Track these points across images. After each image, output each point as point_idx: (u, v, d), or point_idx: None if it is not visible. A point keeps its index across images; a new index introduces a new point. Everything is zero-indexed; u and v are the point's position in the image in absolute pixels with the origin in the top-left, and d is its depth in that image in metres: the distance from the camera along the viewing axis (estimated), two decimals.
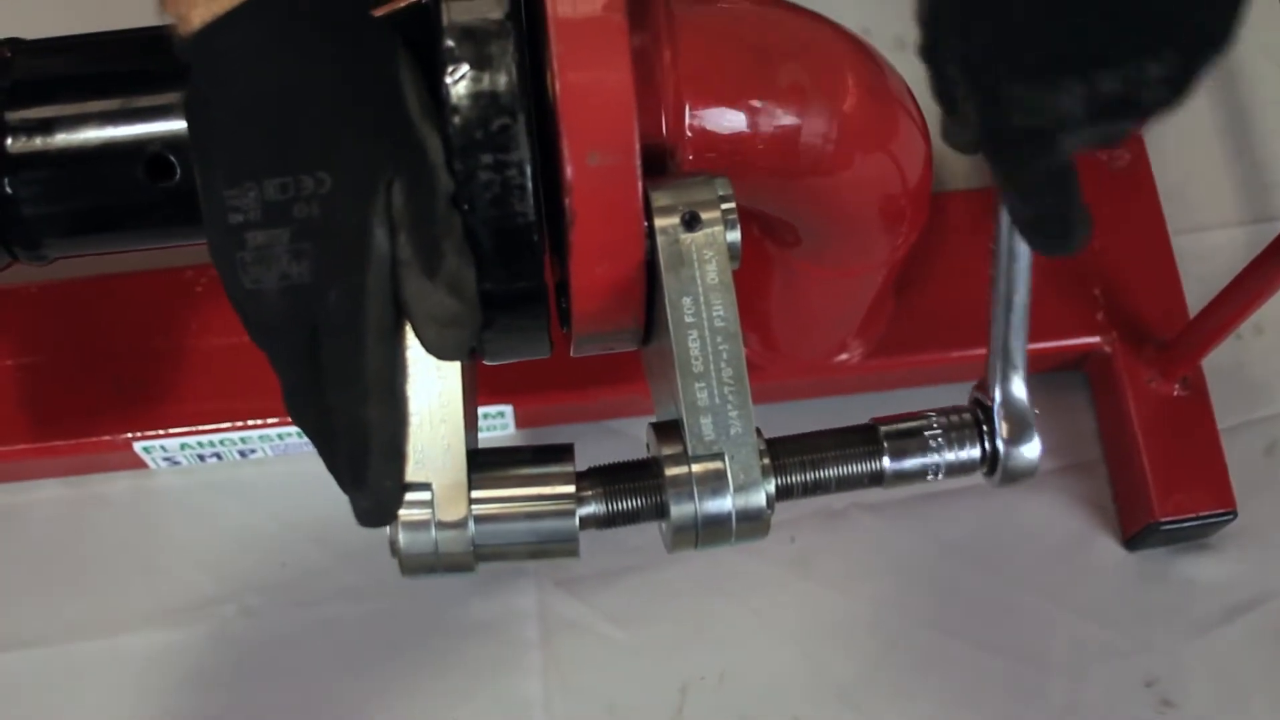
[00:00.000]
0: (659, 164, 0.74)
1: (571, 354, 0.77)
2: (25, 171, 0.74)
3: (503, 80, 0.66)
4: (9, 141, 0.74)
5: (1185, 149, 1.26)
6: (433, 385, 0.68)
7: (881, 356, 1.12)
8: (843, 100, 0.80)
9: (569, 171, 0.67)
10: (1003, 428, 0.73)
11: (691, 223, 0.68)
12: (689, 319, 0.67)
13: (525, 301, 0.70)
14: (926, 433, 0.72)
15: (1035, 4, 0.62)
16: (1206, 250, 1.22)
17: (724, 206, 0.68)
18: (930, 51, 0.68)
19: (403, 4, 0.72)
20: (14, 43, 0.77)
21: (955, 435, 0.72)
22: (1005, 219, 0.73)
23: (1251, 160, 1.28)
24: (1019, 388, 0.74)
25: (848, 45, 0.83)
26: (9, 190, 0.74)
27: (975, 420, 0.73)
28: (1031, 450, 0.73)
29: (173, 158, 0.74)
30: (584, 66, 0.67)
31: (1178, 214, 1.19)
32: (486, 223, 0.67)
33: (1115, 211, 1.17)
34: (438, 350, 0.67)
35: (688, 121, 0.75)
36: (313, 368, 0.66)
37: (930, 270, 1.12)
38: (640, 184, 0.67)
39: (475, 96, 0.66)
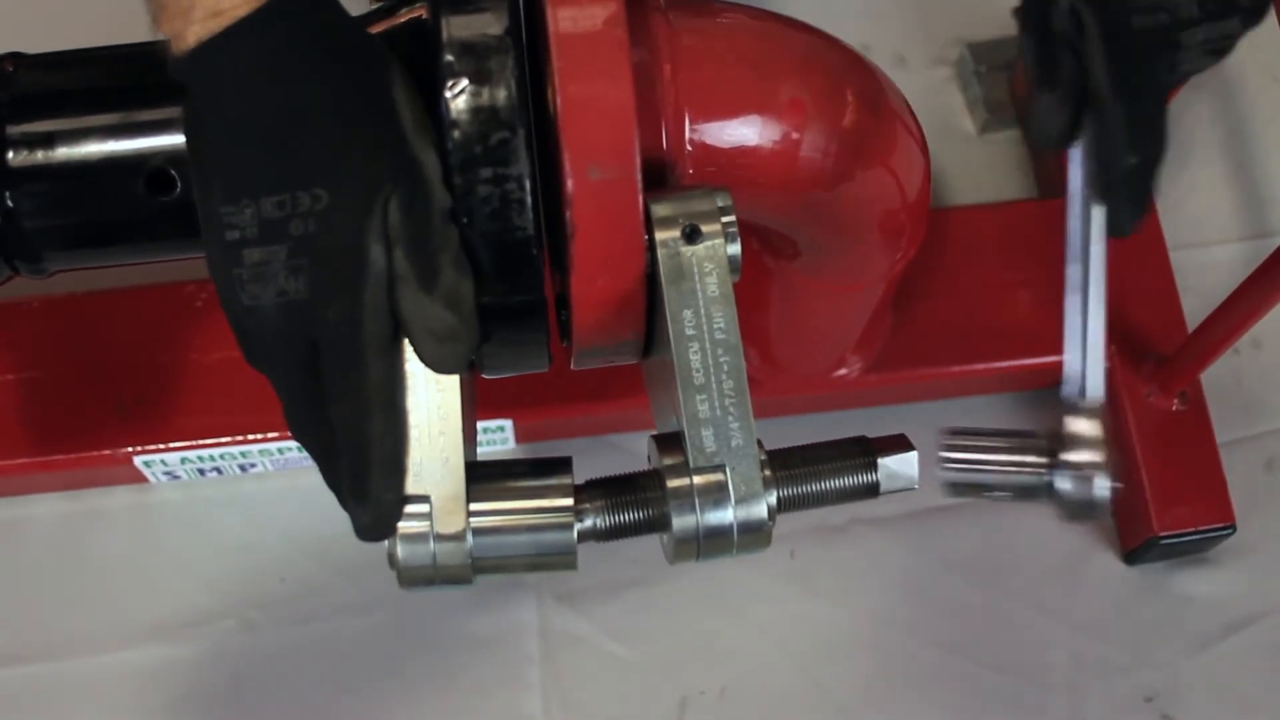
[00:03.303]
0: (659, 177, 0.75)
1: (571, 367, 0.77)
2: (26, 185, 0.74)
3: (502, 95, 0.66)
4: (10, 155, 0.74)
5: (1184, 165, 1.27)
6: (432, 399, 0.68)
7: (880, 371, 1.12)
8: (842, 115, 0.80)
9: (570, 185, 0.67)
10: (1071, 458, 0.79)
11: (692, 235, 0.68)
12: (690, 331, 0.67)
13: (524, 315, 0.70)
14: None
15: None
16: (1205, 265, 1.22)
17: (724, 219, 0.69)
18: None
19: (402, 20, 0.73)
20: (16, 57, 0.77)
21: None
22: (1081, 201, 0.80)
23: (1249, 176, 1.28)
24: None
25: (848, 60, 0.83)
26: (10, 203, 0.74)
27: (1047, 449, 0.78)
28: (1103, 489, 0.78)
29: (173, 172, 0.74)
30: (585, 81, 0.67)
31: (1176, 229, 1.20)
32: (486, 237, 0.67)
33: None
34: (436, 364, 0.67)
35: (688, 135, 0.76)
36: (312, 383, 0.66)
37: (928, 285, 1.12)
38: (641, 197, 0.68)
39: (474, 111, 0.66)
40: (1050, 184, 1.22)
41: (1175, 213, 1.21)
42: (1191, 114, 1.29)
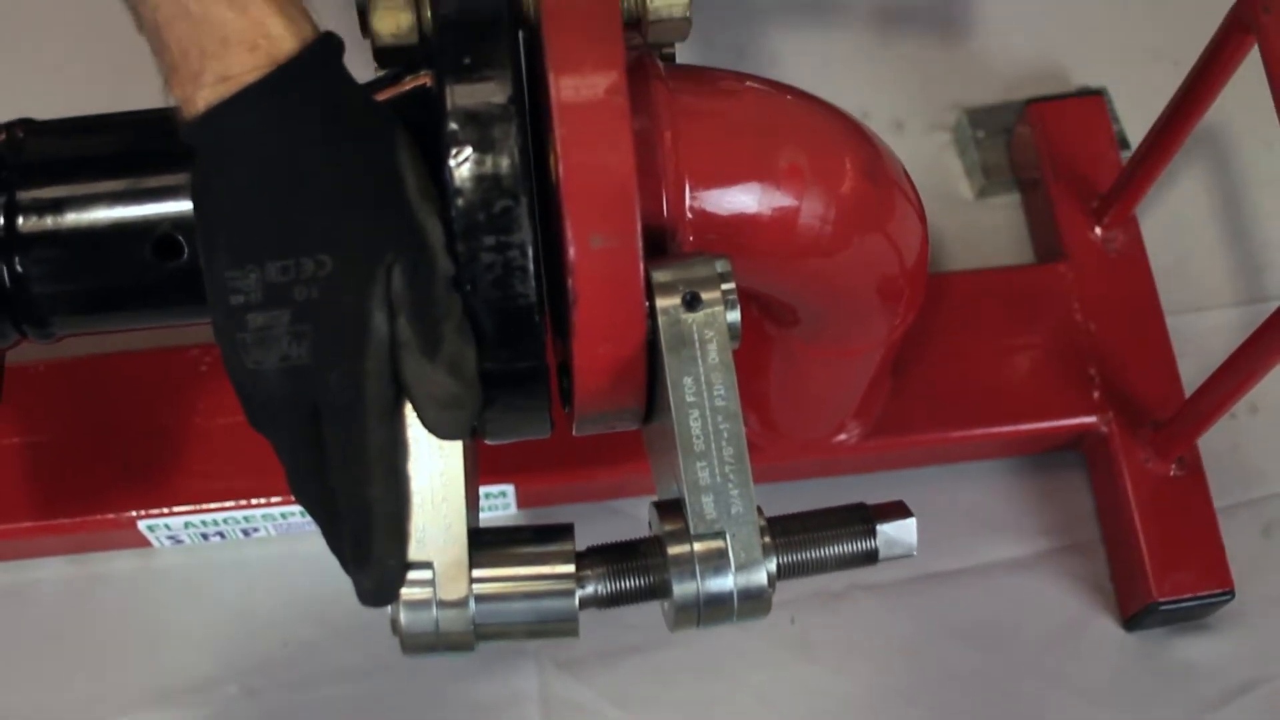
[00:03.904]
0: (660, 244, 0.75)
1: (573, 433, 0.77)
2: (36, 250, 0.75)
3: (505, 163, 0.67)
4: (20, 220, 0.74)
5: (1180, 230, 1.28)
6: (434, 464, 0.69)
7: (879, 437, 1.12)
8: (840, 183, 0.81)
9: (572, 253, 0.68)
10: None
11: (692, 303, 0.69)
12: (690, 399, 0.67)
13: (527, 381, 0.71)
14: None
15: None
16: (1201, 330, 1.23)
17: (724, 286, 0.69)
18: None
19: (407, 88, 0.74)
20: (26, 123, 0.78)
21: None
22: None
23: (1245, 241, 1.29)
24: None
25: (845, 128, 0.84)
26: (19, 268, 0.75)
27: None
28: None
29: (180, 238, 0.74)
30: (587, 150, 0.68)
31: (1173, 295, 1.20)
32: (489, 304, 0.68)
33: (1111, 292, 1.18)
34: (438, 430, 0.68)
35: (688, 203, 0.76)
36: (314, 448, 0.67)
37: (927, 350, 1.13)
38: (642, 265, 0.68)
39: (478, 179, 0.67)
40: (1047, 248, 1.23)
41: (1172, 278, 1.22)
42: (1187, 180, 1.30)
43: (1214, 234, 1.30)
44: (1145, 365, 1.16)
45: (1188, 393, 1.11)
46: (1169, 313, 1.19)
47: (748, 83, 0.83)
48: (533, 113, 0.71)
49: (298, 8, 0.70)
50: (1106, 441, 1.14)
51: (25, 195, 0.75)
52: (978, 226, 1.28)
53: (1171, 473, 1.13)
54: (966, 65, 1.33)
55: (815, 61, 1.31)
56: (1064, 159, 1.22)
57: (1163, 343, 1.17)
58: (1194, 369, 1.14)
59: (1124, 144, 1.25)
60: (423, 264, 0.66)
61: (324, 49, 0.69)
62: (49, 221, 0.75)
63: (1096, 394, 1.14)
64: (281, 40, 0.68)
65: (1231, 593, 1.11)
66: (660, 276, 0.69)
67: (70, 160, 0.77)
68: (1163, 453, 1.12)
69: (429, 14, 0.73)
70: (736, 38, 1.30)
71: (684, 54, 0.81)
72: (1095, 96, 1.26)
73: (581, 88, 0.68)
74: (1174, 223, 1.27)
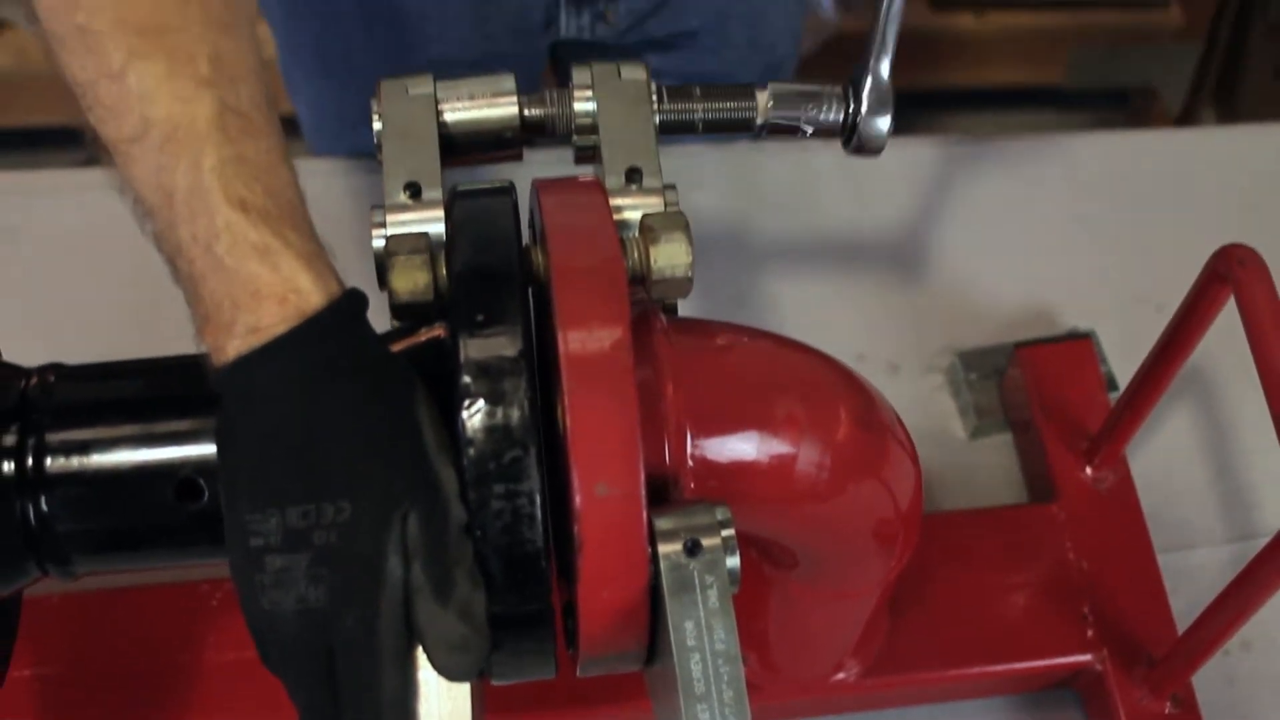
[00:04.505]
0: (662, 490, 0.78)
1: (577, 675, 0.79)
2: (61, 490, 0.77)
3: (515, 415, 0.70)
4: (49, 461, 0.77)
5: (1169, 470, 1.30)
6: (443, 705, 0.70)
7: (878, 675, 1.13)
8: (835, 430, 0.84)
9: (579, 501, 0.70)
10: (865, 103, 0.91)
11: (693, 549, 0.71)
12: (691, 643, 0.69)
13: (532, 625, 0.73)
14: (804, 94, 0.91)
15: None
16: (1192, 567, 1.24)
17: (724, 533, 0.72)
18: None
19: (422, 339, 0.77)
20: (57, 368, 0.81)
21: (827, 101, 0.92)
22: None
23: (1234, 479, 1.31)
24: (885, 69, 0.92)
25: (839, 378, 0.87)
26: (45, 508, 0.77)
27: (844, 94, 0.92)
28: (884, 124, 0.92)
29: (201, 481, 0.77)
30: (593, 403, 0.71)
31: (1164, 533, 1.22)
32: (497, 549, 0.70)
33: (1103, 531, 1.20)
34: (448, 672, 0.70)
35: (689, 450, 0.79)
36: (328, 689, 0.69)
37: (923, 589, 1.15)
38: (645, 512, 0.71)
39: (489, 430, 0.70)
40: (1040, 488, 1.26)
41: (1163, 516, 1.24)
42: (1175, 420, 1.33)
43: (1203, 472, 1.32)
44: (1138, 603, 1.17)
45: (1180, 630, 1.12)
46: (1160, 550, 1.20)
47: (745, 335, 0.87)
48: (541, 362, 0.74)
49: (325, 264, 0.74)
50: (1101, 679, 1.15)
51: (54, 437, 0.77)
52: (971, 466, 1.30)
53: (1167, 710, 1.13)
54: (959, 309, 1.37)
55: (813, 307, 1.35)
56: (1054, 401, 1.25)
57: (1155, 580, 1.19)
58: (1186, 606, 1.15)
59: (1113, 386, 1.28)
60: (437, 512, 0.69)
61: (350, 304, 0.73)
62: (75, 463, 0.77)
63: (1090, 632, 1.15)
64: (310, 295, 0.71)
65: None
66: (663, 524, 0.72)
67: (98, 404, 0.80)
68: (1157, 690, 1.13)
69: (444, 272, 0.77)
70: (736, 286, 1.35)
71: (686, 302, 0.84)
72: (1084, 340, 1.30)
73: (588, 342, 0.72)
74: (1163, 462, 1.30)
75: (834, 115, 0.93)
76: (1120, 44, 2.77)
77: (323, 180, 1.36)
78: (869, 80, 0.93)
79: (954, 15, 2.71)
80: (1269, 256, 0.99)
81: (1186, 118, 2.88)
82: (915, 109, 2.84)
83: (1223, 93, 2.84)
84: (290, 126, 1.30)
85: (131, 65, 0.74)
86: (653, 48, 1.47)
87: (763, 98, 0.92)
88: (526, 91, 0.90)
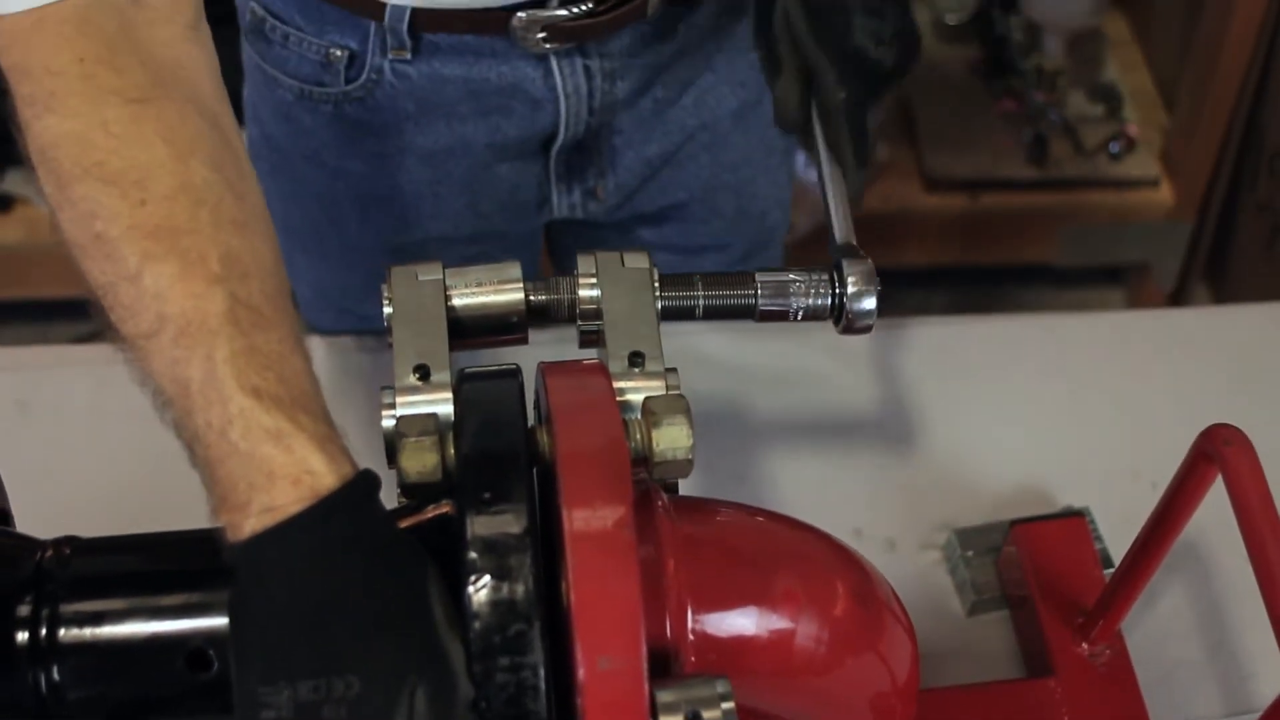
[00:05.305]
0: (663, 663, 0.80)
1: None
2: (73, 659, 0.78)
3: (520, 590, 0.72)
4: (61, 632, 0.78)
5: (1165, 644, 1.30)
6: None
7: None
8: (833, 606, 0.86)
9: (582, 674, 0.72)
10: (849, 284, 0.96)
11: None
12: None
13: None
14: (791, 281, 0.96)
15: None
16: None
17: (724, 705, 0.73)
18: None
19: (429, 516, 0.79)
20: (71, 540, 0.83)
21: (814, 285, 0.96)
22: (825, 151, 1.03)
23: (1229, 653, 1.31)
24: (849, 237, 1.00)
25: (836, 554, 0.89)
26: (56, 677, 0.78)
27: (830, 277, 0.97)
28: (869, 303, 0.97)
29: (211, 652, 0.78)
30: (597, 579, 0.73)
31: (1160, 708, 1.22)
32: None
33: (1100, 705, 1.20)
34: None
35: (690, 625, 0.81)
36: None
37: None
38: (647, 685, 0.72)
39: (495, 604, 0.72)
40: (1038, 663, 1.26)
41: (1159, 690, 1.24)
42: (1170, 595, 1.34)
43: (1199, 646, 1.32)
44: None
45: None
46: None
47: (743, 512, 0.89)
48: (545, 539, 0.77)
49: (338, 447, 0.76)
50: None
51: (68, 608, 0.79)
52: (969, 642, 1.30)
53: None
54: (955, 487, 1.38)
55: (811, 484, 1.36)
56: (1049, 578, 1.26)
57: None
58: None
59: (1107, 562, 1.29)
60: (444, 688, 0.71)
61: (363, 484, 0.76)
62: (88, 634, 0.79)
63: None
64: (324, 476, 0.74)
65: None
66: (664, 696, 0.73)
67: (112, 577, 0.82)
68: None
69: (452, 453, 0.79)
70: (736, 464, 1.37)
71: (687, 480, 0.87)
72: (1078, 517, 1.31)
73: (592, 520, 0.74)
74: (1159, 636, 1.30)
75: (822, 299, 0.96)
76: (1113, 222, 2.83)
77: (321, 356, 1.38)
78: (846, 261, 0.97)
79: (948, 196, 2.77)
80: (1259, 433, 1.01)
81: (1180, 293, 2.93)
82: (908, 287, 2.90)
83: (1214, 268, 2.88)
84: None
85: (146, 267, 0.79)
86: (643, 222, 1.50)
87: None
88: (530, 276, 0.93)
